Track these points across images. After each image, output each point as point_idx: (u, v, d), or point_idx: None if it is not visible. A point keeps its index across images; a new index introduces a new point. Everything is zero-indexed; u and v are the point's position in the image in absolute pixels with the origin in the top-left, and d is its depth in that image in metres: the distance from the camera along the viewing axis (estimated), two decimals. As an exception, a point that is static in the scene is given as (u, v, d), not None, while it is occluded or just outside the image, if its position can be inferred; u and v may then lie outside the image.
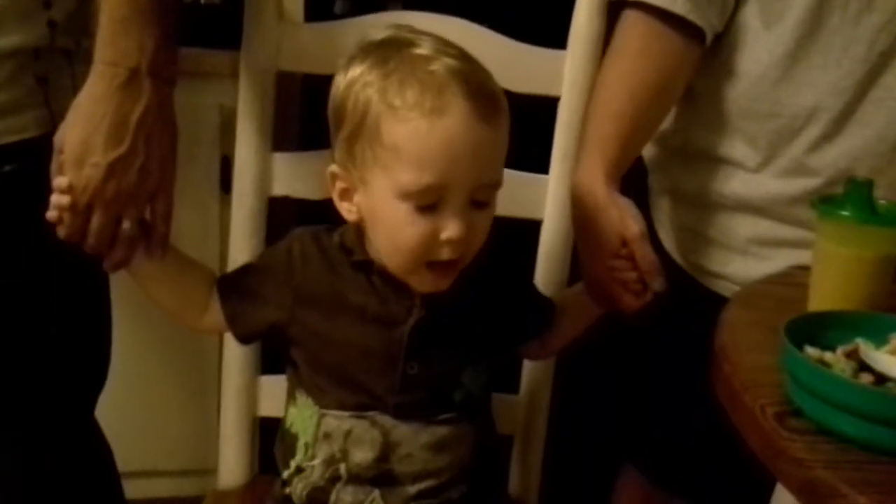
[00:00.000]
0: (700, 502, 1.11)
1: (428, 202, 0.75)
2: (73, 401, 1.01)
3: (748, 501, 0.95)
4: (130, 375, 1.33)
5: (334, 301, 0.83)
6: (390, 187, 0.75)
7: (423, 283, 0.80)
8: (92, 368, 1.03)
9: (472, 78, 0.76)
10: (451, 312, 0.83)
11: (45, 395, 0.96)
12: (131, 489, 1.15)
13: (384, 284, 0.82)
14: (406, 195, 0.75)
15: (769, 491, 0.87)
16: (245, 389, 1.03)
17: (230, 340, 0.91)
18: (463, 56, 0.78)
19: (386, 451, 0.83)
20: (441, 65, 0.76)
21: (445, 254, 0.77)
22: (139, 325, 1.34)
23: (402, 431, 0.83)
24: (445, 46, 0.78)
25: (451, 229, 0.76)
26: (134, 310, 1.12)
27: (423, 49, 0.77)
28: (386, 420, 0.83)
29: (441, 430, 0.84)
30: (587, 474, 1.34)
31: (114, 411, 1.08)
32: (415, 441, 0.83)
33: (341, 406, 0.84)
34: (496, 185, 0.79)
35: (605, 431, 1.26)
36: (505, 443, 1.05)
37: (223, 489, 1.05)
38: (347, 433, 0.83)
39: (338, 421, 0.84)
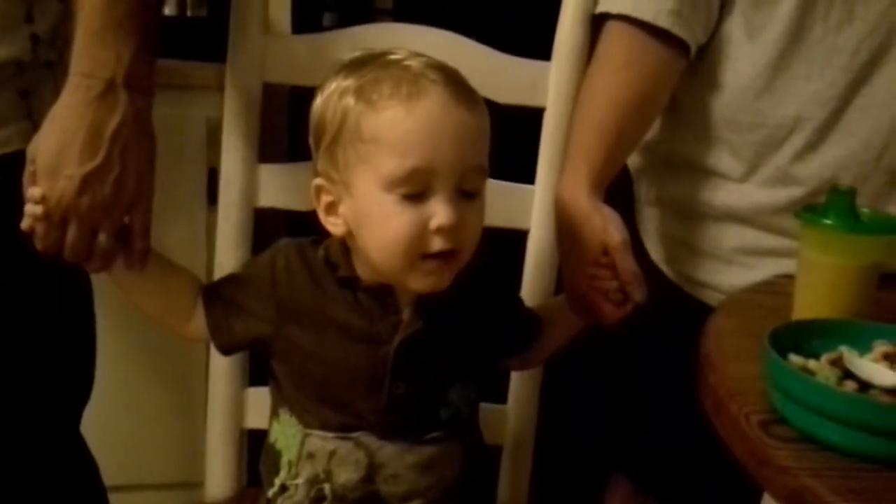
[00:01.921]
0: (688, 510, 1.11)
1: (414, 191, 0.74)
2: (56, 415, 1.00)
3: (736, 509, 0.95)
4: (116, 387, 1.31)
5: (319, 317, 0.82)
6: (375, 181, 0.74)
7: (421, 282, 0.78)
8: (76, 382, 1.02)
9: (448, 70, 0.77)
10: (439, 328, 0.82)
11: (27, 409, 0.94)
12: (117, 503, 1.14)
13: (370, 301, 0.81)
14: (391, 184, 0.74)
15: (757, 499, 0.87)
16: (232, 401, 1.03)
17: (217, 351, 0.90)
18: (437, 60, 0.79)
19: (371, 471, 0.82)
20: (415, 61, 0.77)
21: (437, 244, 0.75)
22: (124, 337, 1.33)
23: (388, 452, 0.82)
24: (420, 54, 0.79)
25: (440, 216, 0.74)
26: (119, 321, 1.11)
27: (398, 55, 0.78)
28: (371, 440, 0.82)
29: (428, 450, 0.83)
30: (576, 482, 1.34)
31: (99, 424, 1.07)
32: (401, 461, 0.82)
33: (325, 426, 0.82)
34: (482, 170, 0.78)
35: (593, 439, 1.25)
36: (493, 453, 1.04)
37: (210, 502, 1.04)
38: (332, 454, 0.82)
39: (322, 441, 0.82)
